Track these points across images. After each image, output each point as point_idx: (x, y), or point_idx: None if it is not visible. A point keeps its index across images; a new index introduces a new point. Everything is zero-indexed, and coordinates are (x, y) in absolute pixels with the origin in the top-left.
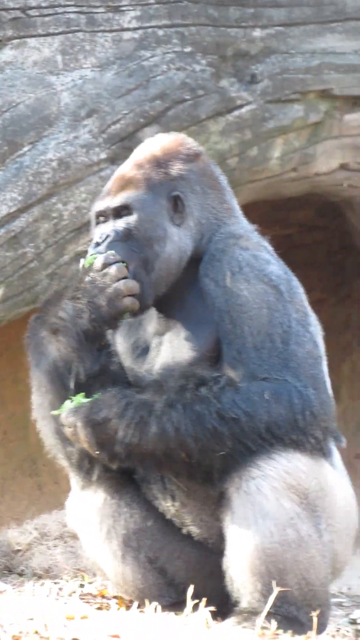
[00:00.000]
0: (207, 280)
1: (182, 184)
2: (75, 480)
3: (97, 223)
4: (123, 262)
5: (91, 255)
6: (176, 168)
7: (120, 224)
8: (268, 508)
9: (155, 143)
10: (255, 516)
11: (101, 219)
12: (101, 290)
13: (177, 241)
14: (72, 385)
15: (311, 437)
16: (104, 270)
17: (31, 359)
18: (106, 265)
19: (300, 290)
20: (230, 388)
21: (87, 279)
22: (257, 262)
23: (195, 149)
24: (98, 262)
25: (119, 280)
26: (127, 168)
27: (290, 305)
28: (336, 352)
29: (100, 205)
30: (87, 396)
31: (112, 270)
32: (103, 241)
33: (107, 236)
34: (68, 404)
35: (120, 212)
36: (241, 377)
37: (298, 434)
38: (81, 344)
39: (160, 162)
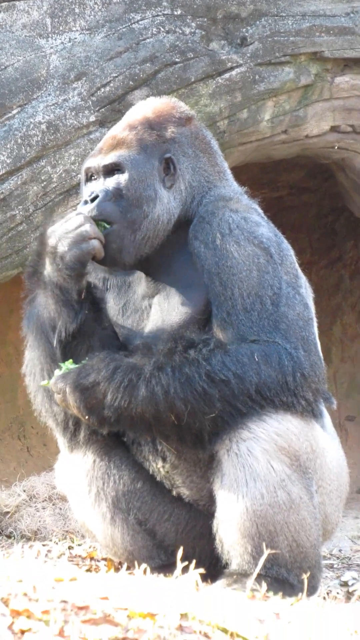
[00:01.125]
0: (197, 243)
1: (174, 147)
2: (61, 442)
3: (87, 180)
4: (107, 222)
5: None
6: (169, 131)
7: (111, 182)
8: (259, 470)
9: (147, 105)
10: (245, 478)
11: (92, 176)
12: (65, 236)
13: (167, 203)
14: (54, 341)
15: (302, 398)
16: (70, 220)
17: (23, 313)
18: (79, 214)
19: (290, 252)
20: (219, 350)
21: (59, 227)
22: (247, 225)
23: (187, 113)
24: (72, 214)
25: (84, 224)
26: (119, 129)
27: (280, 267)
28: (327, 315)
29: (92, 162)
30: (75, 362)
31: (78, 218)
32: (92, 200)
33: (97, 195)
34: (57, 372)
35: (111, 170)
36: (231, 339)
37: (288, 395)
38: (57, 298)
39: (153, 124)
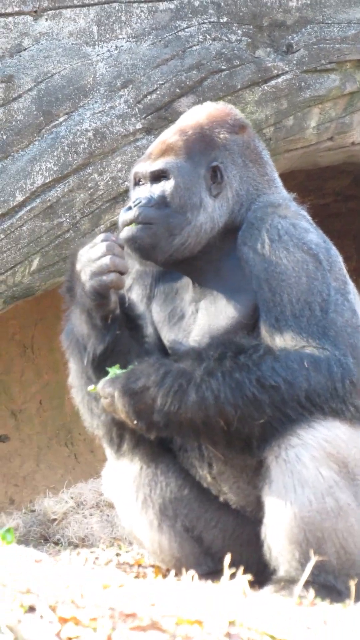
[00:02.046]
0: (246, 249)
1: (223, 154)
2: (108, 450)
3: (135, 184)
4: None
5: (122, 221)
6: (220, 138)
7: (157, 189)
8: (307, 476)
9: (202, 110)
10: (294, 485)
11: (140, 181)
12: (87, 264)
13: (211, 212)
14: (85, 361)
15: (351, 405)
16: (95, 247)
17: (63, 326)
18: (105, 239)
19: (339, 258)
20: (269, 356)
21: (85, 252)
22: (296, 231)
23: (242, 121)
24: (99, 237)
25: (105, 256)
26: (170, 133)
27: (329, 273)
28: None
29: (140, 167)
30: (122, 368)
31: (100, 247)
32: (135, 205)
33: (140, 201)
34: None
35: (158, 176)
36: (279, 344)
37: (337, 402)
38: (86, 319)
39: (204, 131)
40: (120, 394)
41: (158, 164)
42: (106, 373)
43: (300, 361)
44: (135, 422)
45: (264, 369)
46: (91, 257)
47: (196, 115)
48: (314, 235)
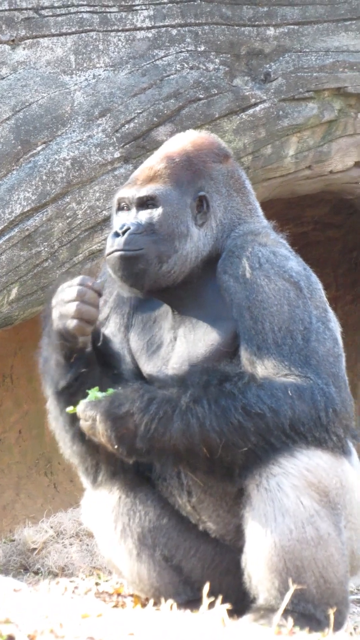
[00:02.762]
0: (226, 277)
1: (209, 184)
2: (84, 480)
3: (119, 209)
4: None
5: (110, 247)
6: (206, 167)
7: (144, 216)
8: (288, 505)
9: (187, 138)
10: (274, 513)
11: (124, 206)
12: (56, 305)
13: (197, 241)
14: (53, 391)
15: (333, 434)
16: (69, 288)
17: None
18: (80, 284)
19: (319, 286)
20: (254, 383)
21: (61, 291)
22: (277, 259)
23: (225, 150)
24: (76, 280)
25: (74, 302)
26: (156, 160)
27: (310, 301)
28: (352, 350)
29: (126, 193)
30: (101, 390)
31: (71, 292)
32: (123, 232)
33: (128, 228)
34: (82, 400)
35: (145, 202)
36: (260, 373)
37: (321, 431)
38: (51, 351)
39: (191, 159)
40: (103, 418)
41: (146, 190)
42: (83, 395)
43: (284, 389)
44: (116, 446)
45: (249, 396)
46: (63, 298)
47: (181, 142)
48: (294, 263)
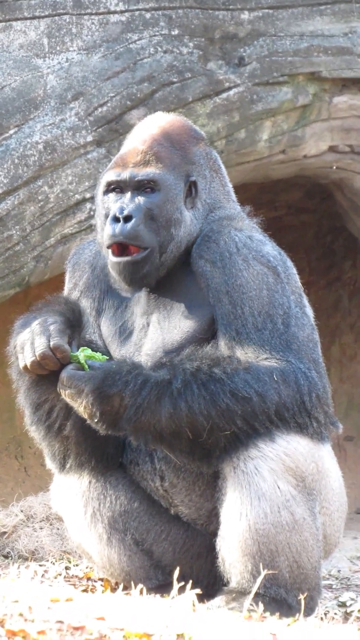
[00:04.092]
0: (202, 262)
1: (195, 168)
2: (51, 466)
3: (108, 192)
4: (142, 247)
5: (111, 234)
6: (189, 151)
7: (142, 200)
8: (264, 489)
9: (162, 120)
10: (250, 496)
11: (115, 188)
12: (19, 342)
13: (189, 225)
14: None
15: (314, 420)
16: (42, 340)
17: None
18: (54, 348)
19: (294, 271)
20: (241, 368)
21: (33, 331)
22: (253, 243)
23: (200, 133)
24: (52, 340)
25: (36, 360)
26: (140, 141)
27: (287, 286)
28: (325, 335)
29: (118, 175)
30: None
31: (42, 347)
32: (125, 219)
33: (129, 214)
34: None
35: (144, 186)
36: (241, 358)
37: (304, 416)
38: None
39: (174, 143)
40: (92, 394)
41: (146, 173)
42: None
43: (270, 374)
44: (96, 421)
45: (237, 380)
46: (33, 340)
47: (158, 124)
48: (270, 248)
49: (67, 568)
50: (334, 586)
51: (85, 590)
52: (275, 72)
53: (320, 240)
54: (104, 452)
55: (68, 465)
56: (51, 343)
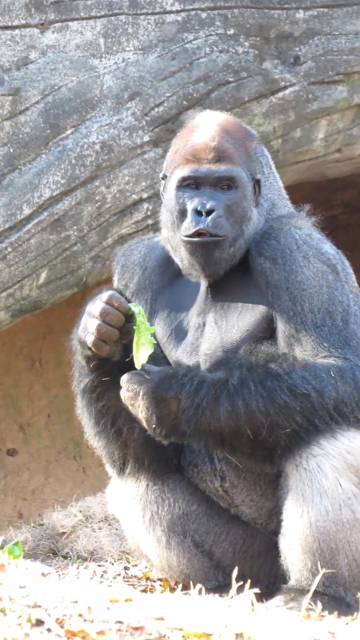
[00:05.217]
0: (262, 259)
1: (256, 166)
2: (110, 470)
3: (183, 187)
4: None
5: (194, 226)
6: (250, 149)
7: (223, 197)
8: (326, 486)
9: (219, 118)
10: (312, 494)
11: (190, 184)
12: (84, 315)
13: (255, 223)
14: (79, 387)
15: None
16: (95, 303)
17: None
18: (107, 302)
19: (351, 270)
20: (298, 365)
21: (93, 302)
22: (313, 241)
23: (252, 131)
24: (105, 295)
25: (95, 319)
26: (208, 138)
27: (346, 285)
28: None
29: (198, 170)
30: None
31: (98, 307)
32: (207, 212)
33: (212, 209)
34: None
35: (221, 182)
36: (299, 355)
37: None
38: (76, 350)
39: (237, 141)
40: (148, 397)
41: (226, 170)
42: (105, 398)
43: (327, 371)
44: (154, 426)
45: (294, 377)
46: (90, 311)
47: (217, 122)
48: (329, 247)
49: (126, 568)
50: None
51: (144, 591)
52: (331, 70)
53: None
54: (162, 455)
55: (127, 471)
56: (104, 298)
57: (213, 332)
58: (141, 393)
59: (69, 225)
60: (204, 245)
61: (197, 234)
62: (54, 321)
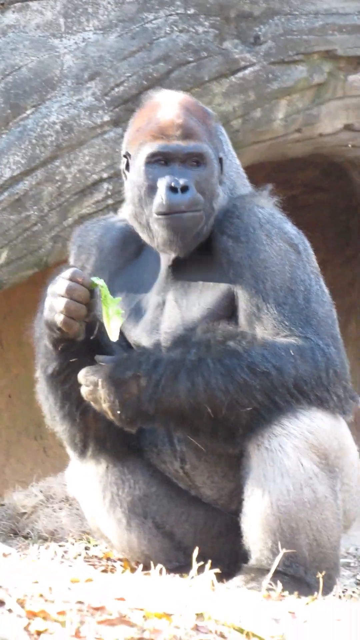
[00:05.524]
0: (225, 238)
1: (219, 145)
2: (70, 452)
3: (151, 163)
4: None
5: (168, 203)
6: (211, 127)
7: (193, 173)
8: (288, 466)
9: (179, 97)
10: (274, 473)
11: (159, 159)
12: (49, 295)
13: (221, 200)
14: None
15: (334, 394)
16: (59, 281)
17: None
18: (71, 279)
19: (312, 252)
20: (257, 343)
21: (54, 282)
22: (276, 220)
23: (210, 110)
24: (68, 272)
25: (62, 298)
26: (177, 115)
27: (308, 265)
28: (341, 313)
29: (167, 146)
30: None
31: (63, 285)
32: (182, 190)
33: (186, 185)
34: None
35: (191, 159)
36: (261, 333)
37: (322, 390)
38: (42, 333)
39: (199, 119)
40: (106, 382)
41: (195, 147)
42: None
43: (287, 349)
44: (118, 412)
45: (253, 355)
46: (54, 290)
47: (177, 100)
48: (290, 227)
49: (86, 548)
50: (352, 564)
51: (105, 571)
52: (291, 50)
53: (335, 219)
54: (124, 437)
55: (89, 453)
56: (67, 275)
57: (173, 310)
58: (100, 381)
59: (29, 205)
60: (180, 220)
61: (173, 210)
62: (14, 301)
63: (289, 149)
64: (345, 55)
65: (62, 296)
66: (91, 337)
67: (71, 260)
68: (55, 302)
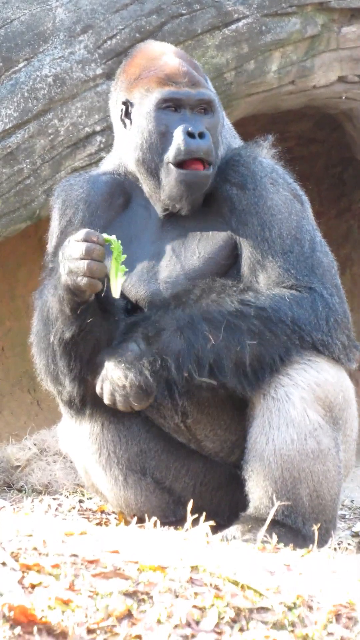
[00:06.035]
0: (228, 186)
1: (216, 95)
2: (65, 410)
3: (163, 108)
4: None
5: (187, 148)
6: (206, 78)
7: (205, 120)
8: (294, 416)
9: (173, 49)
10: (279, 422)
11: (169, 106)
12: (66, 259)
13: (223, 149)
14: (51, 337)
15: (338, 340)
16: (75, 244)
17: (39, 287)
18: (86, 239)
19: (310, 205)
20: (251, 290)
21: (68, 245)
22: (280, 170)
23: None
24: (81, 234)
25: (82, 260)
26: (180, 63)
27: (309, 216)
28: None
29: (178, 92)
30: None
31: (81, 247)
32: (200, 135)
33: (204, 133)
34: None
35: (201, 105)
36: (263, 282)
37: (322, 334)
38: (58, 303)
39: (197, 69)
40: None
41: (205, 94)
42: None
43: (282, 297)
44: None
45: (247, 295)
46: (71, 255)
47: (171, 50)
48: (291, 179)
49: (80, 501)
50: (347, 516)
51: (99, 524)
52: (284, 2)
53: (330, 171)
54: None
55: (87, 411)
56: (81, 237)
57: (172, 260)
58: (129, 378)
59: (21, 158)
60: (196, 176)
61: (194, 165)
62: (7, 254)
63: (283, 101)
64: (338, 7)
65: (83, 258)
66: (102, 295)
67: (55, 215)
68: (75, 266)
